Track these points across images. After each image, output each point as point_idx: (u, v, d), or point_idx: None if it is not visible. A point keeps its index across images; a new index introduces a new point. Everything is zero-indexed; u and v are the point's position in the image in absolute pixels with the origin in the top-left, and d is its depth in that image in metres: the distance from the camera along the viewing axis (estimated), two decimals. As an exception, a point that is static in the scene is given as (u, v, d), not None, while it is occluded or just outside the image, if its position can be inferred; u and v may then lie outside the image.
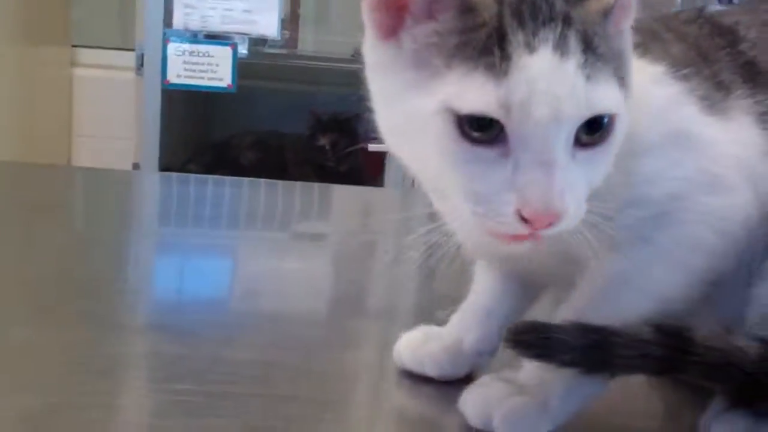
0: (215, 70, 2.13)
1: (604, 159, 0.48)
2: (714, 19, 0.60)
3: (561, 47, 0.44)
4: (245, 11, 2.11)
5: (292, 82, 2.56)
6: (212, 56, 2.13)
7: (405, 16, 0.47)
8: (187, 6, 2.11)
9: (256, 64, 2.30)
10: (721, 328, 0.52)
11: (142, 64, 2.15)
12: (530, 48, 0.44)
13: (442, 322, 0.63)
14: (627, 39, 0.49)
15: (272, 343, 0.66)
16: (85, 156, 2.70)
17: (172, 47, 2.13)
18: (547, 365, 0.51)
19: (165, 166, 2.34)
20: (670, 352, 0.50)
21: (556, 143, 0.44)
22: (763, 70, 0.56)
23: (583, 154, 0.46)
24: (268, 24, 2.12)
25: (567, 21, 0.45)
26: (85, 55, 2.69)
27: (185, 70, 2.14)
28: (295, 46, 2.61)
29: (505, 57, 0.44)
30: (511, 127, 0.44)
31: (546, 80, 0.44)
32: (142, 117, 2.17)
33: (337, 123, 2.33)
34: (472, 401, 0.53)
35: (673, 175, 0.52)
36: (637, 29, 0.52)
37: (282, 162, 2.38)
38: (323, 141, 2.34)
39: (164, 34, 2.12)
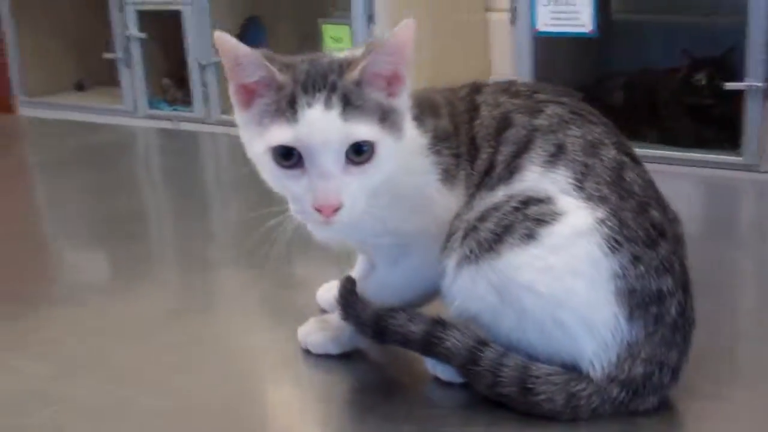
0: (577, 17, 2.26)
1: (374, 172, 0.73)
2: (472, 96, 0.78)
3: (327, 104, 0.71)
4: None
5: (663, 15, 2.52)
6: (574, 5, 2.26)
7: (253, 97, 0.75)
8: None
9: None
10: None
11: (515, 17, 2.38)
12: (309, 105, 0.71)
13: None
14: (402, 100, 0.75)
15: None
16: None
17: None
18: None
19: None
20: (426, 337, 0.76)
21: (327, 160, 0.71)
22: (478, 145, 0.75)
23: (357, 168, 0.72)
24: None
25: (333, 88, 0.72)
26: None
27: (552, 19, 2.31)
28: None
29: (295, 111, 0.71)
30: (302, 153, 0.71)
31: (317, 122, 0.71)
32: (517, 64, 2.41)
33: (713, 60, 2.25)
34: (300, 333, 0.88)
35: (413, 220, 0.79)
36: (420, 101, 0.68)
37: (653, 102, 2.37)
38: (699, 77, 2.27)
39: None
